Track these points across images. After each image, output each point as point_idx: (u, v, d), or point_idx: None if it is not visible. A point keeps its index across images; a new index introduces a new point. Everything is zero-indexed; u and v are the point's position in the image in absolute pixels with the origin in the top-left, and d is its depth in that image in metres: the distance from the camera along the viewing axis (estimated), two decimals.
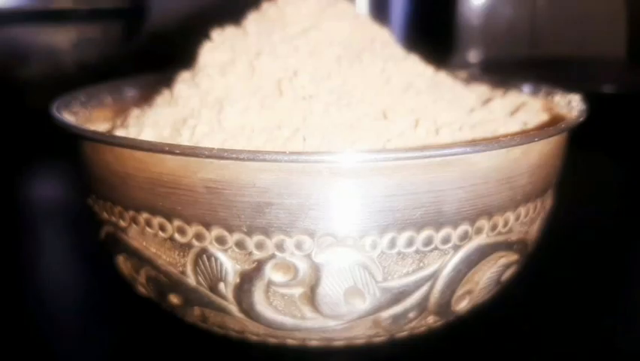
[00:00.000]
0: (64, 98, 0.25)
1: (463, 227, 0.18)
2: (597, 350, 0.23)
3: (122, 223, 0.20)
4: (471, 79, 0.32)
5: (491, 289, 0.21)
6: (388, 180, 0.17)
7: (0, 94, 0.59)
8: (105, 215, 0.21)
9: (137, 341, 0.24)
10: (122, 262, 0.21)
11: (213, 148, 0.16)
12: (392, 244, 0.18)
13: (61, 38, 0.58)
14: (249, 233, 0.17)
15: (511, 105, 0.26)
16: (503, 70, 0.72)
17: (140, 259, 0.20)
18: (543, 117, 0.25)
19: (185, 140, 0.21)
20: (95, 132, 0.19)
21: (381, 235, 0.17)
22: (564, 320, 0.25)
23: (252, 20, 0.25)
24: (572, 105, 0.24)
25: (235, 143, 0.20)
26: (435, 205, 0.17)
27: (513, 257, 0.21)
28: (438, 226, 0.18)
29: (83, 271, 0.31)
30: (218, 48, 0.24)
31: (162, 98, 0.24)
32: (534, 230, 0.21)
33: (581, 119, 0.21)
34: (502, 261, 0.20)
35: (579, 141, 0.24)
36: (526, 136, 0.18)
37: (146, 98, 0.29)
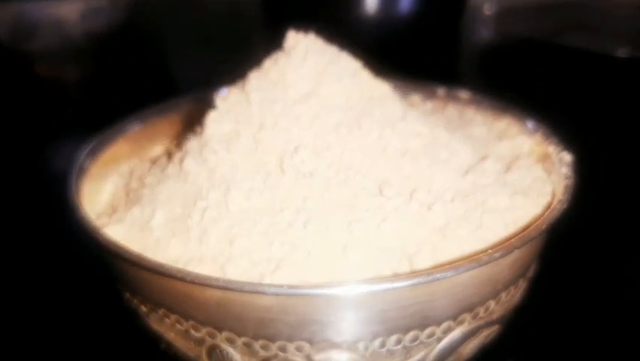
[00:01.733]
0: (79, 160, 0.26)
1: (447, 323, 0.20)
2: None
3: (143, 309, 0.22)
4: (473, 101, 0.32)
5: (475, 353, 0.23)
6: (380, 300, 0.19)
7: (10, 66, 0.60)
8: (127, 295, 0.23)
9: None
10: (144, 326, 0.24)
11: (219, 278, 0.18)
12: (382, 345, 0.20)
13: (69, 10, 0.58)
14: (255, 338, 0.20)
15: (507, 157, 0.27)
16: (518, 18, 0.70)
17: (159, 337, 0.22)
18: (536, 174, 0.26)
19: (195, 223, 0.23)
20: (119, 251, 0.20)
21: (372, 340, 0.20)
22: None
23: (255, 84, 0.26)
24: (562, 170, 0.25)
25: (241, 229, 0.22)
26: (421, 313, 0.19)
27: (495, 328, 0.23)
28: (423, 326, 0.20)
29: None
30: (223, 118, 0.25)
31: (173, 168, 0.25)
32: (516, 300, 0.23)
33: (564, 207, 0.22)
34: (485, 334, 0.23)
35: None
36: (506, 248, 0.20)
37: (152, 129, 0.31)
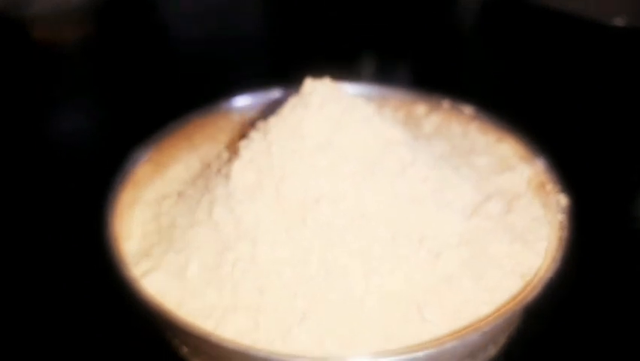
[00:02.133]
0: (109, 204, 0.28)
1: None
2: None
3: (184, 349, 0.25)
4: (476, 118, 0.34)
5: None
6: None
7: (7, 32, 0.59)
8: (175, 342, 0.26)
9: None
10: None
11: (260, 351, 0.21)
12: None
13: None
14: None
15: (508, 192, 0.30)
16: None
17: None
18: (534, 213, 0.28)
19: (227, 273, 0.25)
20: (177, 322, 0.23)
21: None
22: None
23: (275, 133, 0.27)
24: (558, 211, 0.27)
25: (268, 280, 0.25)
26: None
27: None
28: None
29: None
30: (247, 168, 0.27)
31: (202, 214, 0.27)
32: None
33: (557, 266, 0.24)
34: None
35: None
36: (506, 313, 0.22)
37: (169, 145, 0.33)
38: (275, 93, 0.36)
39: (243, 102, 0.36)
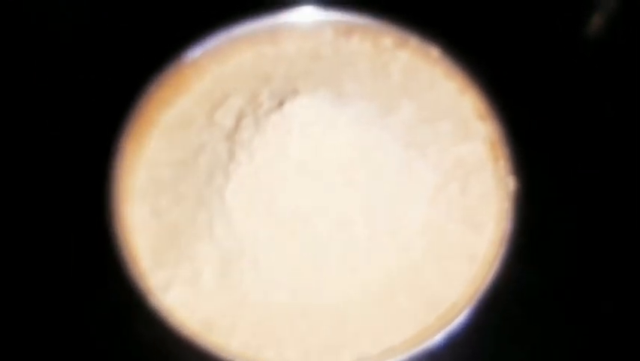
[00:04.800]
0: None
1: None
2: None
3: None
4: (443, 61, 0.36)
5: None
6: None
7: None
8: None
9: None
10: None
11: None
12: None
13: None
14: None
15: (468, 164, 0.33)
16: None
17: None
18: (487, 189, 0.33)
19: (233, 283, 0.30)
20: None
21: None
22: None
23: (261, 153, 0.29)
24: (506, 194, 0.32)
25: (259, 296, 0.30)
26: None
27: None
28: None
29: None
30: (239, 190, 0.30)
31: (203, 225, 0.31)
32: None
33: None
34: None
35: None
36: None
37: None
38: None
39: (201, 50, 0.36)
